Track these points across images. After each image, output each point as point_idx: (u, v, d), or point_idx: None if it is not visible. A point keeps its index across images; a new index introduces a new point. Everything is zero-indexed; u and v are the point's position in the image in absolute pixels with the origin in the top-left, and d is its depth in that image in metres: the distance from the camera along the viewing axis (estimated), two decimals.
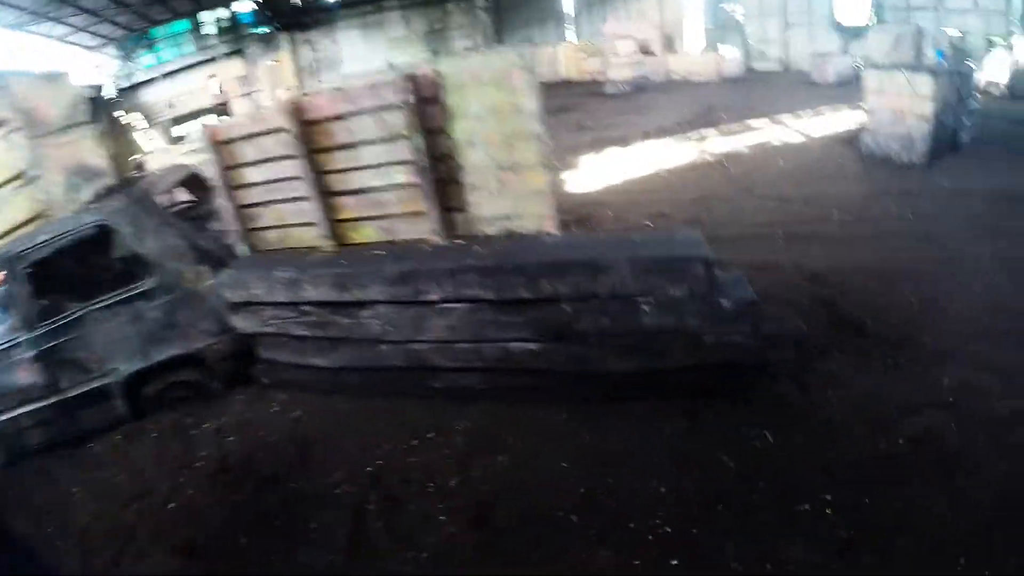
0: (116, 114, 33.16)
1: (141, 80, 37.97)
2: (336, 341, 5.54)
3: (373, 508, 4.28)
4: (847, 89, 17.62)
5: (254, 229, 6.15)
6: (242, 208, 6.07)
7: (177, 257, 5.76)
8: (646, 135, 14.98)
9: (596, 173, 12.30)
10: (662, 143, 14.10)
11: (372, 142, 5.25)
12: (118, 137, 32.48)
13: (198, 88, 37.41)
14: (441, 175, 5.16)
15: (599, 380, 4.82)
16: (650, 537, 3.76)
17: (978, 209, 8.60)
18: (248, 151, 5.82)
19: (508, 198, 5.03)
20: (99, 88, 35.25)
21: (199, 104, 36.75)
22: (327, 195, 5.64)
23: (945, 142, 11.05)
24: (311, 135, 5.45)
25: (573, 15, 40.16)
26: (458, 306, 4.92)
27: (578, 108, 21.26)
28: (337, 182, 5.60)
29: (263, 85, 36.08)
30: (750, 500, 3.92)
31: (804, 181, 10.42)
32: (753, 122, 15.12)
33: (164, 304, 5.67)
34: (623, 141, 14.69)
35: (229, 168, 5.94)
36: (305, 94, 5.61)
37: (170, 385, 5.86)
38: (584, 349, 4.67)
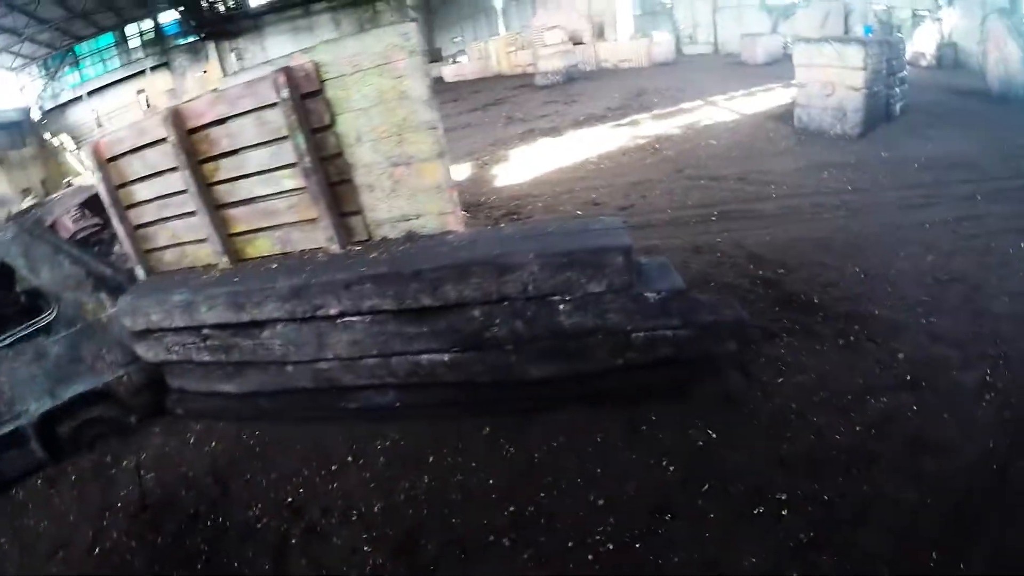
0: (45, 136, 32.16)
1: (67, 100, 36.87)
2: (241, 365, 5.13)
3: (296, 542, 4.05)
4: (777, 68, 17.76)
5: (151, 250, 5.68)
6: (137, 228, 5.61)
7: (74, 287, 5.38)
8: (577, 124, 14.69)
9: (528, 165, 11.96)
10: (594, 131, 13.77)
11: (256, 146, 4.74)
12: (49, 160, 31.20)
13: (126, 104, 36.25)
14: (331, 177, 4.65)
15: (521, 389, 4.41)
16: (590, 556, 3.49)
17: (915, 177, 8.53)
18: (135, 166, 5.34)
19: (404, 196, 4.54)
20: (26, 111, 34.17)
21: (128, 121, 35.52)
22: (218, 208, 5.15)
23: (878, 112, 10.99)
24: (194, 144, 4.96)
25: (502, 9, 40.17)
26: (359, 319, 4.45)
27: (509, 101, 21.02)
28: (226, 193, 5.09)
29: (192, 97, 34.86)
30: (697, 507, 3.63)
31: (738, 159, 10.22)
32: (685, 105, 14.89)
33: (67, 338, 5.34)
34: (555, 131, 14.37)
35: (119, 186, 5.48)
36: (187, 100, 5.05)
37: (84, 423, 5.53)
38: (501, 356, 4.25)
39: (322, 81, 4.39)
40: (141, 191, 5.42)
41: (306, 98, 4.44)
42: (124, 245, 5.67)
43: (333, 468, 4.53)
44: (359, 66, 4.26)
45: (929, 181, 8.30)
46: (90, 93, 36.74)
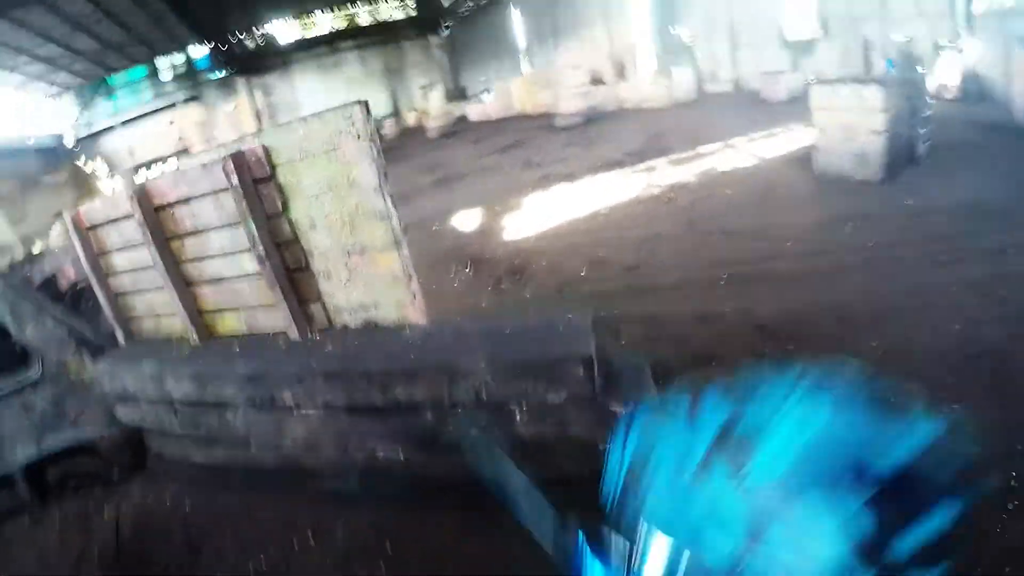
0: (78, 163, 33.08)
1: (101, 128, 38.17)
2: (209, 439, 5.13)
3: None
4: (799, 106, 17.19)
5: (131, 317, 5.77)
6: (118, 296, 5.71)
7: (58, 346, 5.52)
8: (594, 169, 14.30)
9: (539, 215, 11.61)
10: (609, 177, 13.36)
11: (217, 228, 4.61)
12: (82, 185, 32.02)
13: (158, 134, 37.25)
14: (288, 263, 4.46)
15: (482, 488, 4.02)
16: None
17: (943, 228, 7.95)
18: (112, 236, 5.37)
19: (361, 286, 4.30)
20: (60, 138, 35.36)
21: (160, 151, 36.58)
22: (188, 284, 5.08)
23: (902, 155, 10.45)
24: (161, 221, 4.89)
25: (526, 48, 40.34)
26: (314, 411, 4.26)
27: (528, 144, 20.78)
28: (194, 270, 5.01)
29: (223, 131, 35.68)
30: None
31: (754, 211, 9.74)
32: (703, 148, 14.36)
33: (52, 394, 5.49)
34: (570, 178, 13.99)
35: (99, 254, 5.59)
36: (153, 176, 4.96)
37: (69, 472, 5.71)
38: (458, 457, 3.91)
39: (273, 166, 4.21)
40: (119, 261, 5.46)
41: (259, 183, 4.27)
42: (105, 311, 5.73)
43: (296, 545, 4.43)
44: (308, 151, 4.05)
45: (956, 232, 7.73)
46: (123, 123, 37.94)
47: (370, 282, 4.19)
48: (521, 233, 10.76)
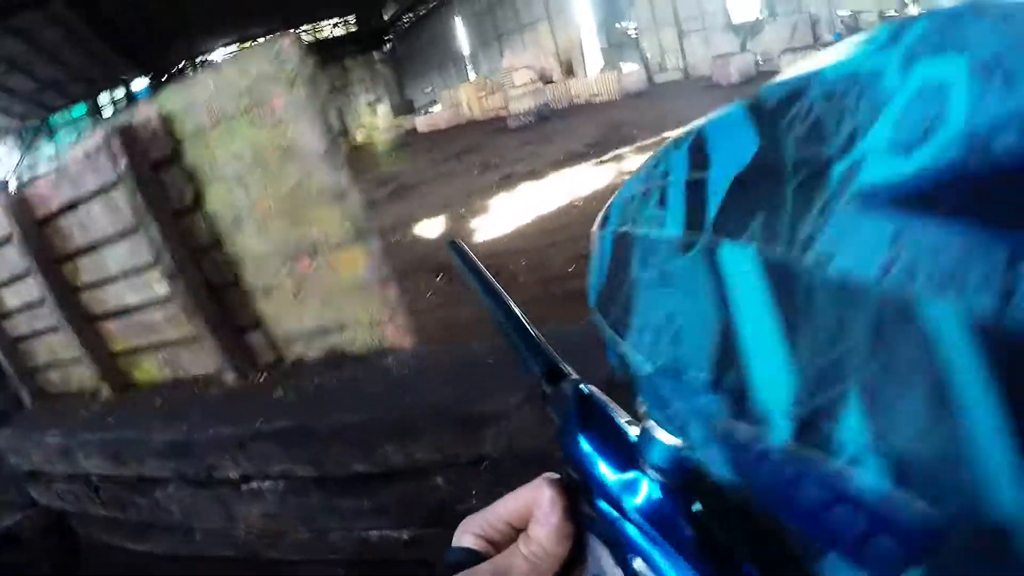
0: None
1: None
2: (142, 524, 3.88)
3: None
4: (752, 87, 16.36)
5: (35, 368, 4.46)
6: (16, 342, 4.41)
7: None
8: (558, 164, 13.16)
9: (509, 215, 10.37)
10: (576, 171, 12.23)
11: (113, 239, 3.23)
12: None
13: None
14: (210, 277, 3.06)
15: None
16: None
17: None
18: None
19: (317, 300, 2.84)
20: (4, 184, 33.41)
21: None
22: (91, 320, 3.71)
23: None
24: (46, 238, 3.54)
25: (470, 55, 39.60)
26: (270, 485, 2.89)
27: (484, 147, 19.63)
28: (94, 301, 3.64)
29: None
30: None
31: None
32: (669, 133, 13.45)
33: None
34: (535, 175, 12.78)
35: None
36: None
37: None
38: None
39: (177, 141, 2.79)
40: (8, 298, 4.17)
41: (159, 167, 2.86)
42: (3, 364, 4.56)
43: None
44: (223, 113, 2.63)
45: None
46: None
47: (329, 294, 2.74)
48: (493, 235, 9.58)
